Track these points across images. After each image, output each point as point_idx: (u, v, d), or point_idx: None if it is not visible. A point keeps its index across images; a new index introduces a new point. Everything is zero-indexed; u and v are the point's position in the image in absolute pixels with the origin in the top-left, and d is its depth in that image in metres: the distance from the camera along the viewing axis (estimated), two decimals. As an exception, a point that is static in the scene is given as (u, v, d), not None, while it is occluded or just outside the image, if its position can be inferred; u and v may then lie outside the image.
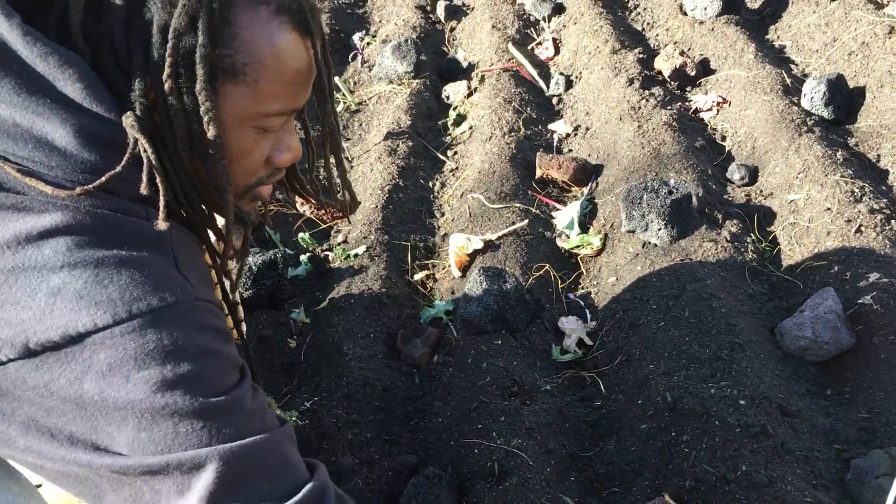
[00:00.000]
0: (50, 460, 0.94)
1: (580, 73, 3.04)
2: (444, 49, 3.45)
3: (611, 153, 2.53)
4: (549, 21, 3.43)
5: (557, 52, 3.24)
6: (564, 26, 3.35)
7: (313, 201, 1.39)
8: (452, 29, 3.57)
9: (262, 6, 1.00)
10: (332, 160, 1.26)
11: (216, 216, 1.15)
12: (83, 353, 0.90)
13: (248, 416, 0.98)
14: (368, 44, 3.47)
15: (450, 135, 2.88)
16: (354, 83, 3.22)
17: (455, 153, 2.76)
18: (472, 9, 3.63)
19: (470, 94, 3.03)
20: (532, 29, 3.41)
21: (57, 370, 0.90)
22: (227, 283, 1.31)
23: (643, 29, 3.29)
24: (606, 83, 2.83)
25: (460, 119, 2.92)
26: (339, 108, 2.96)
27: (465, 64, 3.25)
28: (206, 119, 1.00)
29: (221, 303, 1.12)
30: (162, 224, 0.97)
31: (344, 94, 3.04)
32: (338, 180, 1.31)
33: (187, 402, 0.92)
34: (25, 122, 0.93)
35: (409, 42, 3.12)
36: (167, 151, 1.01)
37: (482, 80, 3.05)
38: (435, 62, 3.26)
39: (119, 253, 0.94)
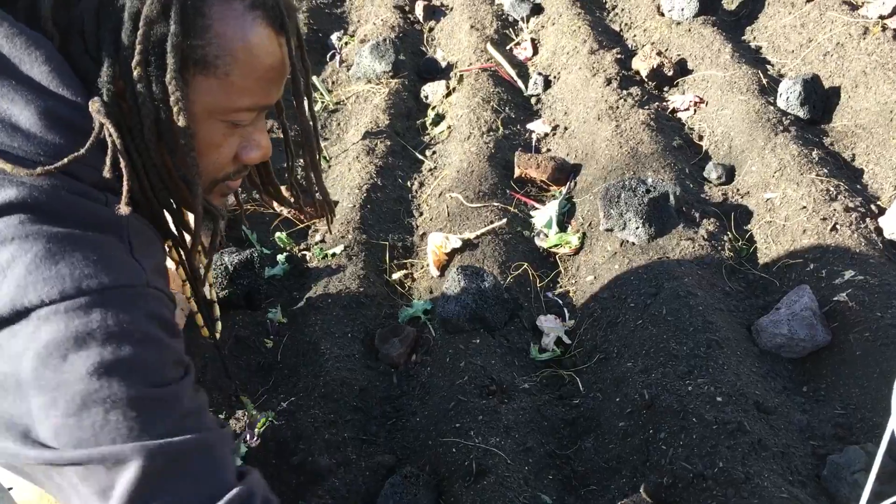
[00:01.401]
0: None
1: (558, 73, 3.05)
2: (423, 49, 3.44)
3: (589, 152, 2.53)
4: (528, 21, 3.43)
5: (536, 52, 3.25)
6: (543, 27, 3.35)
7: (289, 206, 1.37)
8: (431, 29, 3.56)
9: (236, 0, 0.98)
10: (309, 162, 1.24)
11: (185, 211, 1.13)
12: (26, 328, 0.88)
13: (183, 414, 0.95)
14: (346, 44, 3.46)
15: (428, 134, 2.88)
16: (332, 83, 3.20)
17: (434, 153, 2.76)
18: (451, 9, 3.63)
19: (448, 94, 3.02)
20: (511, 29, 3.41)
21: (3, 346, 0.88)
22: (196, 279, 1.29)
23: (621, 30, 3.30)
24: (584, 83, 2.84)
25: (439, 119, 2.92)
26: (317, 107, 2.94)
27: (443, 64, 3.24)
28: (175, 109, 0.98)
29: (173, 296, 1.10)
30: (124, 209, 0.95)
31: (322, 94, 3.03)
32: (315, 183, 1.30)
33: (121, 389, 0.89)
34: None
35: (388, 42, 3.11)
36: (134, 141, 1.00)
37: (461, 79, 3.04)
38: (414, 62, 3.25)
39: (73, 232, 0.92)
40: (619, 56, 2.96)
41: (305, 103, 1.17)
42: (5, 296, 0.88)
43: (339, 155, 2.72)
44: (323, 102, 3.01)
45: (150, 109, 0.99)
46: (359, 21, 3.68)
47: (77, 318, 0.88)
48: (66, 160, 0.92)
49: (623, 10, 3.39)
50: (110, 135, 0.94)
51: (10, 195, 0.90)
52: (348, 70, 3.22)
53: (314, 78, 3.08)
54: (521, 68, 3.16)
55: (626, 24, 3.31)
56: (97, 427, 0.88)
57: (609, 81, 2.77)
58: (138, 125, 0.99)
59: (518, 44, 3.31)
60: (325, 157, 2.74)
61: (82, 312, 0.89)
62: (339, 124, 2.94)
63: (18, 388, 0.88)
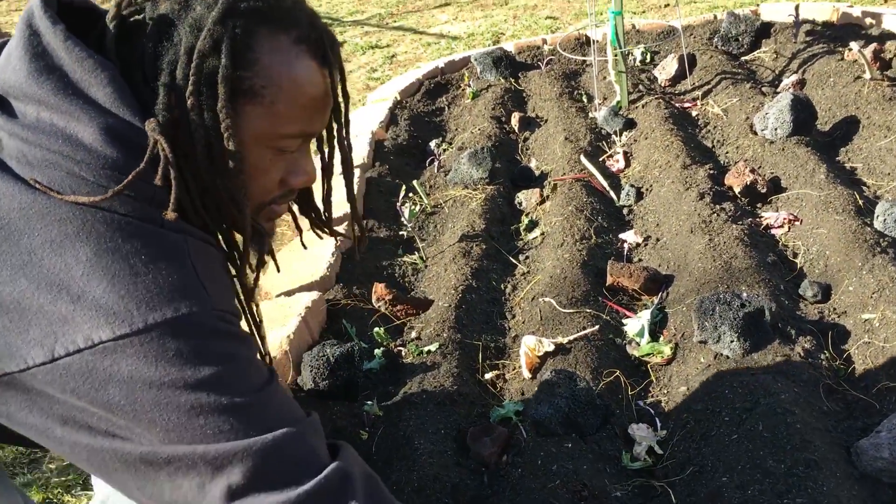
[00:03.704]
0: (85, 450, 1.01)
1: (651, 185, 3.12)
2: (517, 158, 3.57)
3: (681, 264, 2.57)
4: (620, 135, 3.54)
5: (628, 164, 3.34)
6: (635, 141, 3.45)
7: (324, 230, 1.45)
8: (526, 139, 3.71)
9: (282, 35, 1.10)
10: (346, 189, 1.35)
11: (234, 233, 1.23)
12: (104, 361, 0.97)
13: (275, 410, 1.04)
14: (445, 150, 3.62)
15: (522, 239, 2.96)
16: (430, 186, 3.35)
17: (527, 257, 2.83)
18: (545, 121, 3.77)
19: (542, 202, 3.12)
20: (603, 142, 3.52)
21: (79, 378, 0.97)
22: (247, 296, 1.38)
23: (713, 146, 3.37)
24: (677, 196, 2.90)
25: (532, 225, 3.01)
26: (416, 209, 3.07)
27: (537, 172, 3.36)
28: (226, 135, 1.08)
29: (240, 311, 1.18)
30: (171, 214, 1.05)
31: (421, 197, 3.16)
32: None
33: (212, 401, 0.98)
34: (61, 123, 1.04)
35: (485, 150, 3.25)
36: (188, 165, 1.10)
37: (554, 188, 3.14)
38: (509, 170, 3.38)
39: (135, 262, 1.01)
40: (711, 171, 3.02)
41: (344, 132, 1.28)
42: (77, 330, 0.97)
43: (436, 255, 2.82)
44: (421, 205, 3.14)
45: (202, 136, 1.09)
46: (456, 129, 3.86)
47: (152, 350, 0.98)
48: (130, 177, 1.02)
49: (715, 127, 3.47)
50: (163, 149, 1.04)
51: (75, 227, 1.01)
52: (446, 175, 3.36)
53: (414, 182, 3.23)
54: (614, 179, 3.25)
55: (718, 141, 3.39)
56: (197, 435, 0.98)
57: (702, 196, 2.83)
58: (192, 151, 1.09)
59: (611, 156, 3.41)
60: (421, 257, 2.85)
61: (156, 344, 0.98)
62: (435, 226, 3.06)
63: (111, 413, 0.99)
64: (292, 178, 1.21)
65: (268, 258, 1.43)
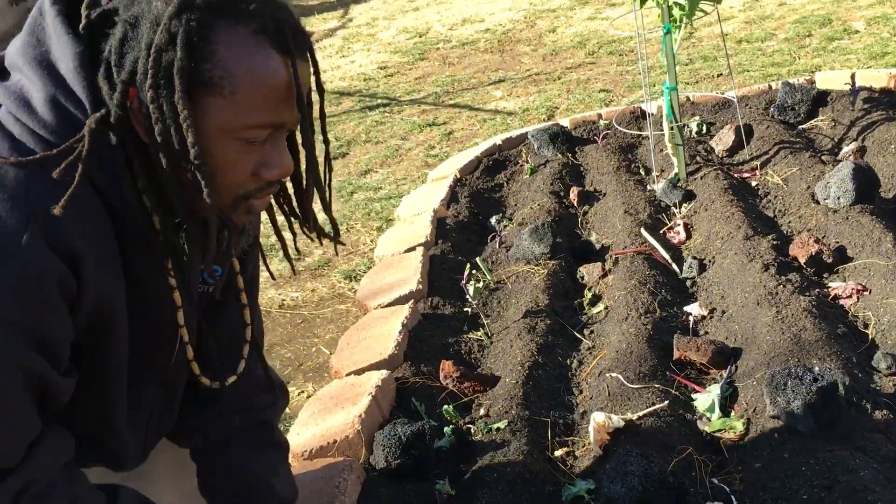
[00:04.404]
0: None
1: (713, 257, 3.12)
2: (577, 232, 3.62)
3: (749, 337, 2.56)
4: (680, 207, 3.56)
5: (689, 236, 3.35)
6: (695, 212, 3.47)
7: (303, 228, 1.45)
8: (585, 213, 3.75)
9: (240, 26, 1.14)
10: (322, 177, 1.35)
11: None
12: None
13: None
14: (505, 226, 3.69)
15: (586, 314, 2.99)
16: (492, 262, 3.40)
17: (591, 332, 2.85)
18: (604, 194, 3.82)
19: (604, 275, 3.15)
20: (663, 214, 3.55)
21: None
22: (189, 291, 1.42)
23: (775, 216, 3.37)
24: (741, 268, 2.90)
25: (596, 299, 3.03)
26: (479, 285, 3.12)
27: (598, 246, 3.39)
28: (184, 125, 1.12)
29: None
30: (57, 210, 1.12)
31: (484, 273, 3.22)
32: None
33: None
34: (26, 87, 1.18)
35: (546, 226, 3.31)
36: (149, 159, 1.17)
37: (616, 262, 3.17)
38: (569, 244, 3.43)
39: None
40: (774, 242, 3.02)
41: (320, 125, 1.31)
42: None
43: (501, 331, 2.86)
44: (484, 281, 3.19)
45: (161, 129, 1.14)
46: (516, 205, 3.93)
47: None
48: (53, 152, 1.14)
49: (776, 197, 3.47)
50: (84, 143, 1.14)
51: None
52: (507, 251, 3.42)
53: (477, 259, 3.29)
54: (675, 252, 3.27)
55: (779, 211, 3.39)
56: None
57: (766, 267, 2.82)
58: (153, 144, 1.15)
59: (671, 228, 3.44)
60: (486, 333, 2.88)
61: None
62: (499, 302, 3.10)
63: None
64: (265, 170, 1.22)
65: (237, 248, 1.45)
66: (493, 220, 3.79)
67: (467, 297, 3.04)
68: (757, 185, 3.64)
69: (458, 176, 4.20)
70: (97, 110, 1.17)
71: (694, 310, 2.85)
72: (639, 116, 4.44)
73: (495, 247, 3.52)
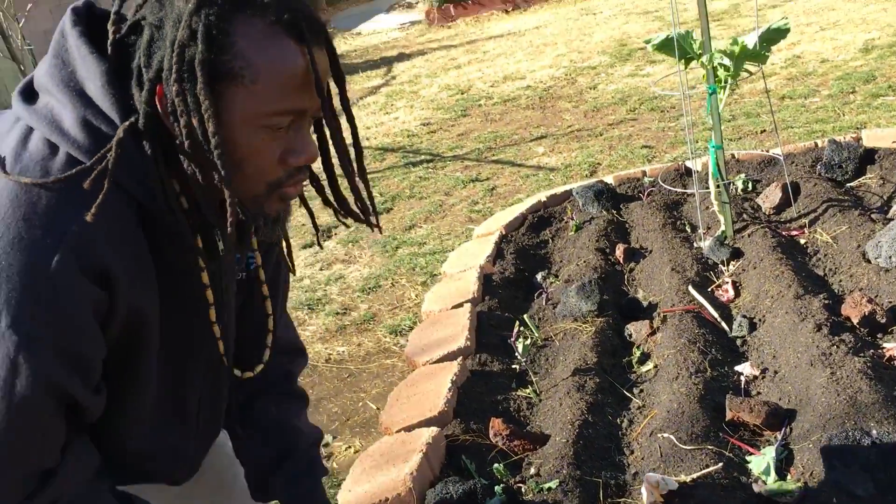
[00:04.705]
0: None
1: (763, 316, 3.10)
2: (624, 289, 3.62)
3: (803, 399, 2.53)
4: (728, 265, 3.55)
5: (738, 294, 3.34)
6: (744, 270, 3.46)
7: (338, 216, 1.49)
8: (631, 270, 3.76)
9: (257, 18, 1.19)
10: (353, 162, 1.39)
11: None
12: None
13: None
14: (552, 283, 3.71)
15: (634, 372, 2.98)
16: (539, 319, 3.41)
17: (641, 391, 2.84)
18: (650, 251, 3.82)
19: (652, 333, 3.14)
20: (711, 272, 3.55)
21: None
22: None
23: (825, 275, 3.35)
24: (792, 328, 2.88)
25: (644, 357, 3.02)
26: (527, 342, 3.13)
27: (645, 303, 3.39)
28: (206, 115, 1.17)
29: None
30: (89, 217, 1.17)
31: (532, 330, 3.23)
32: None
33: None
34: (56, 110, 1.22)
35: (593, 283, 3.32)
36: (175, 152, 1.24)
37: (664, 319, 3.16)
38: (616, 301, 3.43)
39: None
40: (826, 301, 2.99)
41: (338, 109, 1.33)
42: None
43: (550, 389, 2.86)
44: (532, 338, 3.20)
45: (186, 121, 1.19)
46: (561, 261, 3.95)
47: None
48: (62, 175, 1.19)
49: (826, 255, 3.45)
50: (112, 152, 1.19)
51: None
52: (554, 307, 3.43)
53: (525, 316, 3.31)
54: (724, 310, 3.25)
55: (829, 270, 3.36)
56: None
57: (819, 327, 2.80)
58: (180, 136, 1.21)
59: (719, 286, 3.42)
60: (535, 391, 2.89)
61: None
62: (547, 359, 3.11)
63: None
64: (291, 157, 1.27)
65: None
66: (538, 276, 3.82)
67: (516, 354, 3.05)
68: (805, 243, 3.62)
69: (504, 232, 4.24)
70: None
71: (745, 369, 2.83)
72: (683, 173, 4.46)
73: (542, 303, 3.53)
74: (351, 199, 1.45)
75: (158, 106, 1.23)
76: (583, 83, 7.83)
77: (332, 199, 1.46)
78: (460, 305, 3.47)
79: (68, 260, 1.18)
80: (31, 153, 1.23)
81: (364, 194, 1.43)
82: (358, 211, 1.46)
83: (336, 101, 1.35)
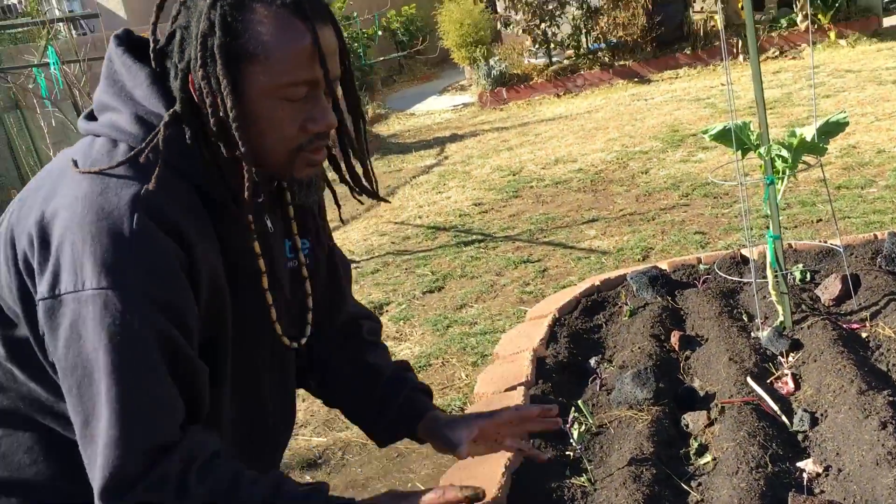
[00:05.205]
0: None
1: (825, 410, 3.03)
2: (679, 377, 3.57)
3: (869, 499, 2.45)
4: (787, 356, 3.50)
5: (798, 387, 3.27)
6: (804, 362, 3.39)
7: (353, 193, 1.72)
8: (687, 358, 3.72)
9: (265, 4, 1.41)
10: (354, 133, 1.63)
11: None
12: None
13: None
14: (605, 368, 3.68)
15: (692, 464, 2.91)
16: (593, 405, 3.38)
17: (699, 484, 2.77)
18: (706, 340, 3.78)
19: (710, 424, 3.08)
20: (769, 363, 3.49)
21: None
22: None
23: (888, 370, 3.27)
24: (856, 424, 2.80)
25: (702, 449, 2.96)
26: (582, 429, 3.10)
27: (702, 393, 3.34)
28: (225, 93, 1.38)
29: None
30: (151, 185, 1.37)
31: (586, 416, 3.20)
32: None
33: None
34: (114, 117, 1.47)
35: (649, 370, 3.29)
36: (208, 127, 1.44)
37: (722, 410, 3.11)
38: (672, 389, 3.38)
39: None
40: (891, 398, 2.92)
41: (344, 82, 1.57)
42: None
43: (605, 478, 2.81)
44: (586, 424, 3.17)
45: (212, 100, 1.41)
46: (615, 347, 3.92)
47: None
48: (114, 164, 1.40)
49: (889, 350, 3.38)
50: (159, 132, 1.42)
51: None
52: (608, 394, 3.40)
53: (579, 401, 3.28)
54: (784, 403, 3.18)
55: (893, 366, 3.28)
56: None
57: (884, 425, 2.72)
58: (208, 115, 1.43)
59: (778, 378, 3.36)
60: (590, 479, 2.84)
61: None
62: (601, 447, 3.06)
63: None
64: (311, 124, 1.48)
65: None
66: (592, 361, 3.79)
67: (571, 440, 3.02)
68: (867, 337, 3.55)
69: (557, 315, 4.24)
70: None
71: (808, 466, 2.75)
72: (739, 261, 4.44)
73: (595, 389, 3.50)
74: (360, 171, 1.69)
75: (193, 92, 1.44)
76: (634, 167, 7.89)
77: (347, 177, 1.69)
78: (513, 388, 3.45)
79: (145, 219, 1.37)
80: (97, 150, 1.45)
81: (366, 168, 1.68)
82: (371, 188, 1.69)
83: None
